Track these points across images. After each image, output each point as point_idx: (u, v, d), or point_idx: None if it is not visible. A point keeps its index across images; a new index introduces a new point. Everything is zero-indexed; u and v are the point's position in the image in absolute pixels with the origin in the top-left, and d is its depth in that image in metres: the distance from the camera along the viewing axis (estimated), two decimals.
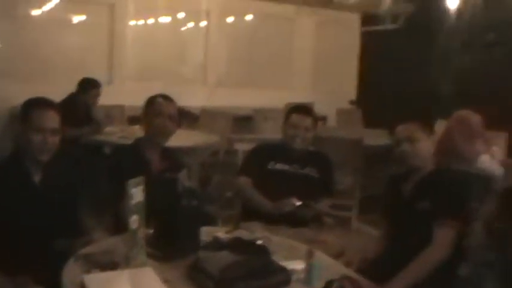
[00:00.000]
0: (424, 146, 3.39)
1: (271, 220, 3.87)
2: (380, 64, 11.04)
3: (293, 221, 3.88)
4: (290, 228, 3.83)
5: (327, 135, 6.86)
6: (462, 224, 3.16)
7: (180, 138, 4.39)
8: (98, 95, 7.28)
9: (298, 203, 3.91)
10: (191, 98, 9.43)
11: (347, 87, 11.92)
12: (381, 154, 6.85)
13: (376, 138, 7.44)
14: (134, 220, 2.57)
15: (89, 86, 7.20)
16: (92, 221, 3.27)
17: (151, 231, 2.86)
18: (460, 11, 9.22)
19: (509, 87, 8.65)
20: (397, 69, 10.57)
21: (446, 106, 6.98)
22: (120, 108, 8.39)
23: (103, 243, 2.90)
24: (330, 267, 2.77)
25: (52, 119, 3.09)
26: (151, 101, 3.82)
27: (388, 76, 10.70)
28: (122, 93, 8.74)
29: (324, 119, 10.23)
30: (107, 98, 7.75)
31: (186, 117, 9.07)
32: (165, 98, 3.84)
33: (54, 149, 3.11)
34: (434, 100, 9.76)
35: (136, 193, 2.57)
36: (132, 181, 2.55)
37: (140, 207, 2.60)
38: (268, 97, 10.19)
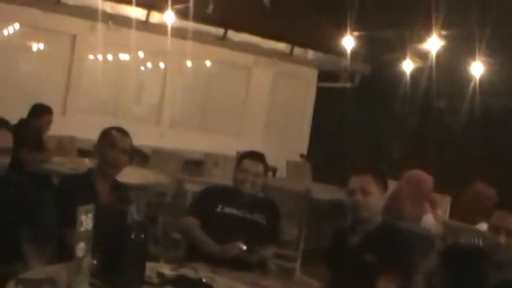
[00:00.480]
0: (375, 200, 3.45)
1: (216, 262, 3.85)
2: (333, 120, 11.22)
3: (238, 265, 3.86)
4: (234, 272, 3.81)
5: (276, 185, 6.90)
6: (405, 277, 3.22)
7: (130, 175, 4.37)
8: (49, 121, 7.22)
9: (244, 248, 3.91)
10: (143, 137, 9.39)
11: (298, 140, 12.05)
12: (328, 209, 6.94)
13: (325, 192, 7.53)
14: (81, 248, 2.55)
15: (41, 112, 7.13)
16: (32, 248, 3.21)
17: (95, 261, 2.84)
18: (413, 76, 9.46)
19: (454, 152, 8.88)
20: (349, 126, 10.75)
21: (395, 166, 7.13)
22: (72, 139, 8.32)
23: (45, 269, 2.85)
24: None
25: (4, 138, 3.07)
26: (106, 133, 3.82)
27: (340, 133, 10.87)
28: (75, 125, 8.71)
29: (273, 170, 10.28)
30: (59, 128, 7.70)
31: (137, 156, 9.03)
32: (120, 131, 3.84)
33: (3, 170, 3.07)
34: (384, 159, 9.95)
35: (86, 220, 2.55)
36: (82, 208, 2.53)
37: (88, 236, 2.58)
38: (219, 143, 10.24)
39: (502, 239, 2.87)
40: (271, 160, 9.85)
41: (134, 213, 2.98)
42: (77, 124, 8.90)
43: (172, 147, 9.45)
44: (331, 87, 11.74)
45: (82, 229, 2.53)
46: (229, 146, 9.42)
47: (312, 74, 12.29)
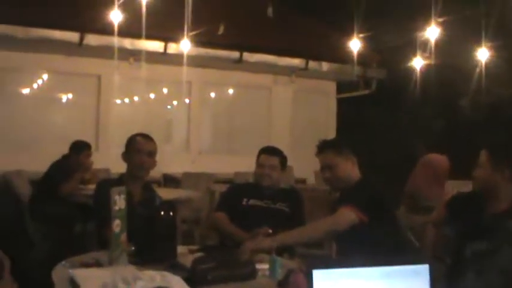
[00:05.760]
0: (341, 170, 3.84)
1: None
2: (358, 128, 11.46)
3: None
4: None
5: (303, 187, 7.17)
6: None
7: (163, 194, 4.71)
8: (89, 155, 7.66)
9: (270, 231, 4.19)
10: (175, 166, 9.83)
11: None
12: None
13: None
14: (117, 224, 2.90)
15: (80, 147, 7.57)
16: None
17: (133, 247, 3.17)
18: (430, 77, 9.64)
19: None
20: (371, 131, 10.98)
21: None
22: (107, 171, 8.75)
23: (90, 254, 3.22)
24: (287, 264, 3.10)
25: None
26: (131, 140, 4.20)
27: (366, 140, 11.08)
28: (108, 159, 9.05)
29: (303, 181, 10.56)
30: (94, 162, 8.12)
31: (169, 181, 9.43)
32: (144, 136, 4.22)
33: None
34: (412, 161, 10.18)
35: (119, 200, 2.90)
36: (115, 189, 2.88)
37: (122, 214, 2.92)
38: (248, 163, 10.49)
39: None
40: (300, 173, 10.16)
41: (160, 197, 3.32)
42: (110, 158, 9.25)
43: (203, 171, 9.73)
44: (350, 97, 12.00)
45: (116, 208, 2.88)
46: None
47: (330, 87, 12.53)
